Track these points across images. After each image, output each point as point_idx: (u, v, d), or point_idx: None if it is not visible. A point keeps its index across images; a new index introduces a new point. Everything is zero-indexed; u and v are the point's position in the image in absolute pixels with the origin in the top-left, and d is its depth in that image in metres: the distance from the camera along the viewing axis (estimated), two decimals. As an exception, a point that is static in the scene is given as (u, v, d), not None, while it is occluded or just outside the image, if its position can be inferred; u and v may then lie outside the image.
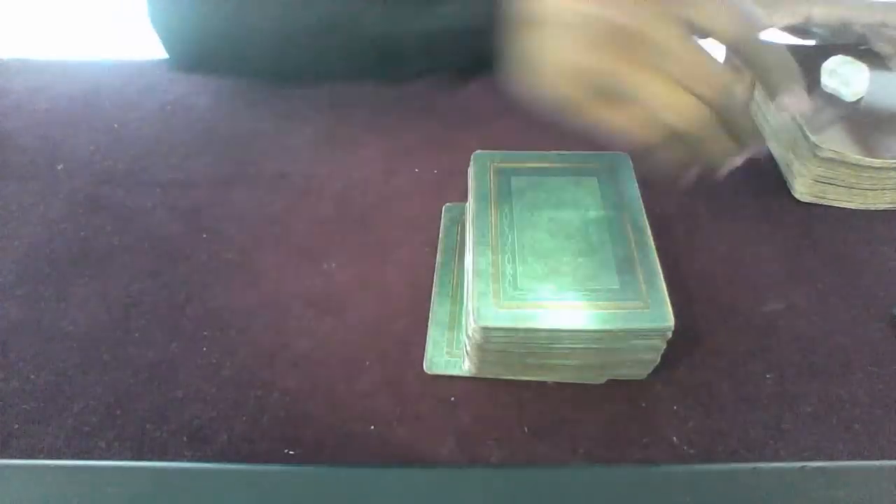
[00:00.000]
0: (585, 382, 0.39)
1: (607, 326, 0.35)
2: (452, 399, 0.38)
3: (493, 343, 0.36)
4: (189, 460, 0.35)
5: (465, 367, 0.39)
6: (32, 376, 0.39)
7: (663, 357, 0.37)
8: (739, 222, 0.49)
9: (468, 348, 0.37)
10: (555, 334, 0.35)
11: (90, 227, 0.49)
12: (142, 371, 0.39)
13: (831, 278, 0.45)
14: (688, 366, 0.40)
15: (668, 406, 0.38)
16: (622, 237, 0.39)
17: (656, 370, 0.38)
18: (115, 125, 0.59)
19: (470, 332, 0.36)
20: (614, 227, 0.39)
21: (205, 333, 0.41)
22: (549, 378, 0.39)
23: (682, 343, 0.40)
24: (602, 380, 0.38)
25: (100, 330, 0.42)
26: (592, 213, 0.40)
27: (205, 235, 0.48)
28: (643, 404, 0.38)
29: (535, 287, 0.36)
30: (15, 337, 0.41)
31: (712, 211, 0.50)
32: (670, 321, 0.35)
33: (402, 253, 0.47)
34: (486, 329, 0.35)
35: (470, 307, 0.36)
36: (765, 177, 0.52)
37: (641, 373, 0.38)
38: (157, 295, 0.44)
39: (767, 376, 0.39)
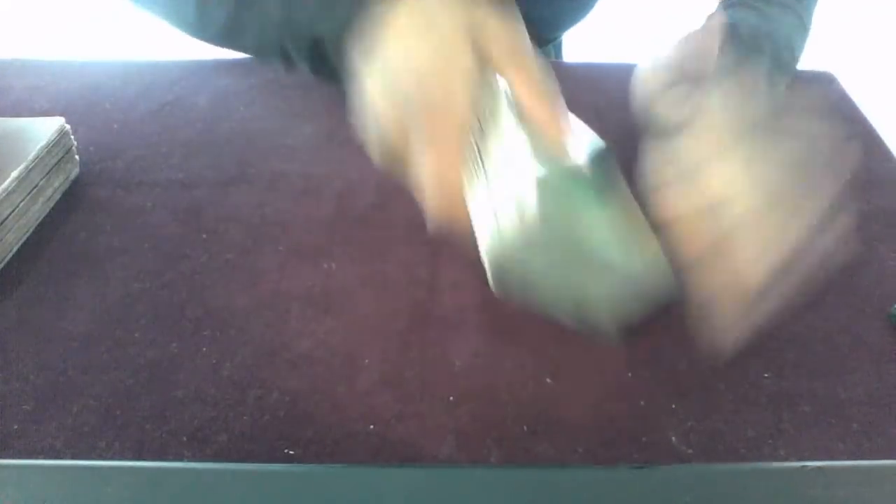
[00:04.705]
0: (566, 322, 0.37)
1: None
2: (452, 399, 0.38)
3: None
4: (189, 460, 0.35)
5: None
6: (32, 376, 0.39)
7: (663, 357, 0.37)
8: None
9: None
10: None
11: (90, 227, 0.49)
12: (142, 371, 0.39)
13: (830, 278, 0.45)
14: (688, 366, 0.40)
15: (668, 406, 0.38)
16: None
17: (656, 370, 0.38)
18: (115, 125, 0.59)
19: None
20: None
21: (205, 333, 0.41)
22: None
23: (682, 343, 0.40)
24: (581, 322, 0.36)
25: (100, 330, 0.42)
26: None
27: (205, 235, 0.48)
28: (643, 404, 0.38)
29: None
30: (15, 337, 0.41)
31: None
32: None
33: (402, 252, 0.47)
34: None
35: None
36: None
37: (615, 327, 0.36)
38: (157, 295, 0.44)
39: (766, 376, 0.39)
